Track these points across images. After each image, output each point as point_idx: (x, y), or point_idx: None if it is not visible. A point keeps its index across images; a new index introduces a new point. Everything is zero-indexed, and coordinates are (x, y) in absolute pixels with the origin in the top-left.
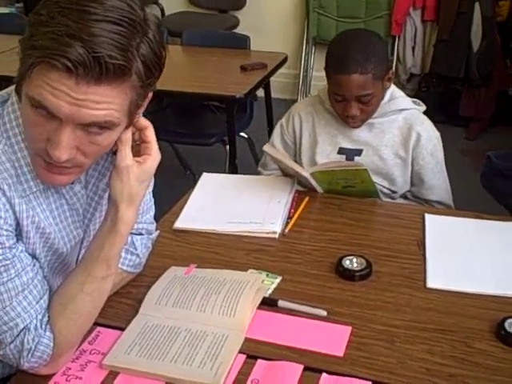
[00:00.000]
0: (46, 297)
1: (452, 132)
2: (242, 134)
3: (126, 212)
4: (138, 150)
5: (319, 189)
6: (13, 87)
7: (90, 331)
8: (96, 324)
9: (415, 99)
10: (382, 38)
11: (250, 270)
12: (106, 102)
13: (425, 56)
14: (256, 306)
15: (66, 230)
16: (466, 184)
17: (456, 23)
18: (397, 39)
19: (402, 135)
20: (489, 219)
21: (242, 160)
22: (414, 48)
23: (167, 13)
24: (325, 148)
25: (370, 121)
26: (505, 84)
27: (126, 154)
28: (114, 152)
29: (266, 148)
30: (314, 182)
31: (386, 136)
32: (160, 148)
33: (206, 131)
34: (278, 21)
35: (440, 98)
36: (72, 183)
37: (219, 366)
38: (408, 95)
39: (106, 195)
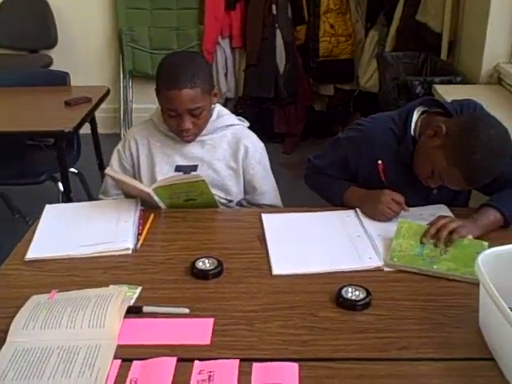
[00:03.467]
0: None
1: (270, 148)
2: (72, 169)
3: None
4: None
5: (162, 205)
6: None
7: None
8: None
9: (239, 117)
10: None
11: (110, 286)
12: None
13: (237, 80)
14: (123, 314)
15: None
16: (289, 191)
17: (261, 49)
18: None
19: (231, 148)
20: (315, 211)
21: (74, 196)
22: (226, 74)
23: None
24: (162, 167)
25: (201, 138)
26: (310, 100)
27: None
28: None
29: (108, 171)
30: (156, 198)
31: (217, 151)
32: None
33: (35, 170)
34: (93, 56)
35: (255, 117)
36: None
37: (98, 372)
38: None
39: None
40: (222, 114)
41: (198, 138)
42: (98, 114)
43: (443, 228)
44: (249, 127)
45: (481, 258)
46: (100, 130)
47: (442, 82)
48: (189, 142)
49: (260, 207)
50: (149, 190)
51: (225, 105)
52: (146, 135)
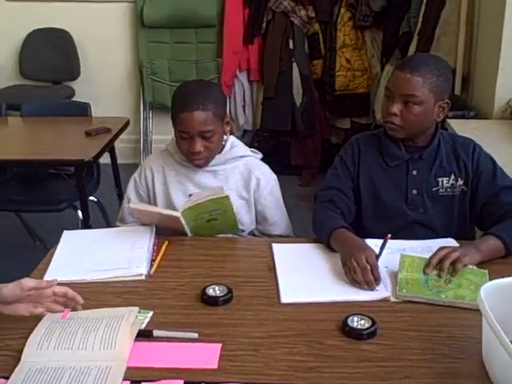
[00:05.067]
0: None
1: (287, 180)
2: (92, 197)
3: None
4: None
5: (188, 231)
6: None
7: None
8: None
9: (253, 149)
10: None
11: (129, 309)
12: None
13: (255, 113)
14: (134, 336)
15: None
16: (306, 223)
17: (279, 82)
18: (228, 100)
19: (243, 179)
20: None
21: (93, 223)
22: (244, 107)
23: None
24: (177, 195)
25: (214, 168)
26: (327, 133)
27: None
28: None
29: (132, 205)
30: (184, 222)
31: (229, 181)
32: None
33: (55, 198)
34: (114, 88)
35: (273, 150)
36: None
37: None
38: None
39: None
40: (234, 145)
41: (211, 168)
42: (118, 144)
43: (445, 258)
44: (266, 159)
45: (483, 289)
46: (120, 160)
47: (455, 117)
48: (200, 166)
49: (271, 237)
50: (178, 214)
51: (242, 137)
52: (161, 164)
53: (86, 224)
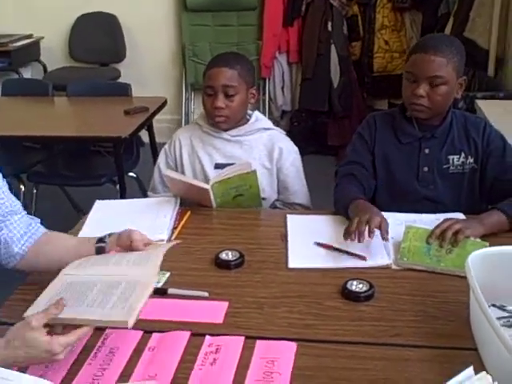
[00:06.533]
0: None
1: (324, 160)
2: (131, 173)
3: None
4: None
5: (214, 203)
6: None
7: None
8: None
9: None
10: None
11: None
12: None
13: (293, 94)
14: (161, 259)
15: None
16: None
17: (316, 63)
18: (267, 81)
19: (266, 150)
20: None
21: (132, 197)
22: (283, 88)
23: (50, 69)
24: (203, 164)
25: (239, 138)
26: (364, 114)
27: None
28: None
29: (168, 172)
30: (212, 195)
31: (253, 151)
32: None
33: (96, 173)
34: (158, 70)
35: (310, 130)
36: None
37: (130, 305)
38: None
39: None
40: (259, 118)
41: (236, 139)
42: (160, 124)
43: (448, 229)
44: (303, 139)
45: (471, 258)
46: (163, 139)
47: (484, 98)
48: (220, 124)
49: (292, 206)
50: (207, 186)
51: (281, 117)
52: (189, 136)
53: (123, 197)
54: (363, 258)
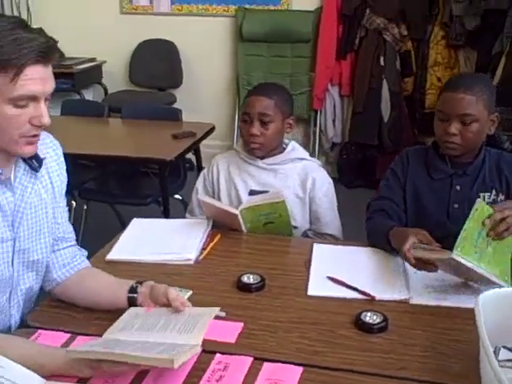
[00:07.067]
0: None
1: (371, 194)
2: (177, 196)
3: None
4: None
5: (244, 228)
6: None
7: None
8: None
9: (314, 158)
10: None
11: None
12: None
13: (344, 127)
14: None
15: None
16: None
17: (367, 97)
18: (319, 112)
19: (300, 179)
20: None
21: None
22: (334, 120)
23: (110, 91)
24: (239, 190)
25: (274, 167)
26: None
27: None
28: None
29: (201, 197)
30: (241, 220)
31: (288, 179)
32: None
33: (143, 193)
34: (212, 97)
35: (359, 163)
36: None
37: (176, 352)
38: (331, 162)
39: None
40: (295, 148)
41: (272, 167)
42: (210, 150)
43: (504, 222)
44: (352, 172)
45: (482, 297)
46: None
47: None
48: (256, 151)
49: (323, 237)
50: (236, 211)
51: (331, 149)
52: (227, 162)
53: (166, 218)
54: (372, 298)
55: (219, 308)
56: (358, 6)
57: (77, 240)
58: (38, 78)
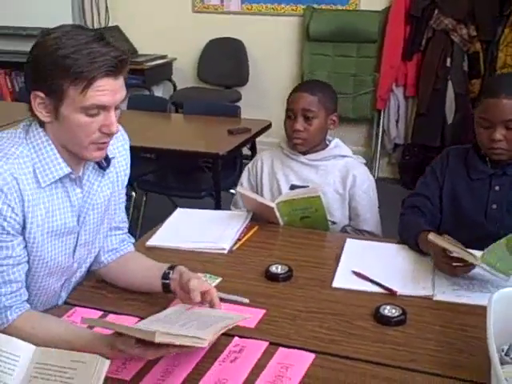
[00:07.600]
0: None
1: None
2: (231, 190)
3: None
4: None
5: (281, 221)
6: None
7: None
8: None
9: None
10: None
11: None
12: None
13: (407, 128)
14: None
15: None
16: None
17: (432, 99)
18: (382, 113)
19: (341, 176)
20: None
21: None
22: (397, 121)
23: (179, 88)
24: (280, 184)
25: (316, 163)
26: None
27: None
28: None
29: (239, 189)
30: (277, 213)
31: (328, 176)
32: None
33: (198, 187)
34: (277, 95)
35: (420, 165)
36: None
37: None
38: (393, 163)
39: (100, 201)
40: (339, 145)
41: (314, 163)
42: (266, 147)
43: None
44: (414, 173)
45: (495, 296)
46: None
47: None
48: (298, 146)
49: (361, 233)
50: (273, 204)
51: (393, 150)
52: (271, 157)
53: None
54: (394, 293)
55: (249, 316)
56: (427, 7)
57: (132, 227)
58: (107, 90)
